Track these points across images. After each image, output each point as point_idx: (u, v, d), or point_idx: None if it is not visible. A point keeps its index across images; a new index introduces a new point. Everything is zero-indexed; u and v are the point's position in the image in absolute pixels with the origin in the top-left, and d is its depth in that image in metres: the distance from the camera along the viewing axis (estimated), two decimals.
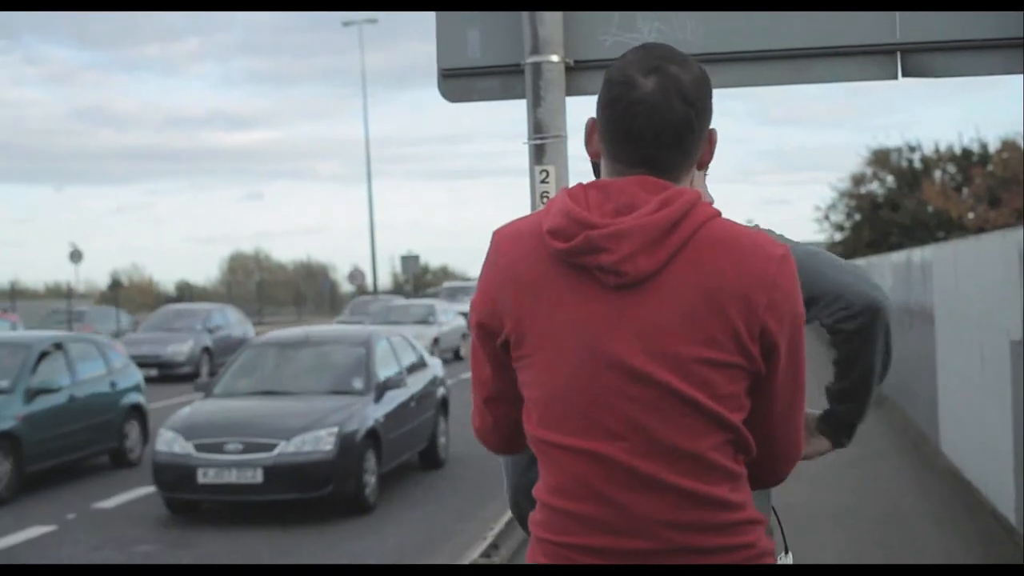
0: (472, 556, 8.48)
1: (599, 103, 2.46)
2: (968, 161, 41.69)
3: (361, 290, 60.81)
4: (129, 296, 61.83)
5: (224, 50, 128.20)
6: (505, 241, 2.46)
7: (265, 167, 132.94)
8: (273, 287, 74.49)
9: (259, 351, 14.75)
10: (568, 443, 2.38)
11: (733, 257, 2.35)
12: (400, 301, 43.38)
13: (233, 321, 33.59)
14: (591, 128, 2.53)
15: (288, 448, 11.95)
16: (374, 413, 13.08)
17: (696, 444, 2.35)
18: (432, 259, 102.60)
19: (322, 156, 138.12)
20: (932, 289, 13.28)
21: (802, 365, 2.45)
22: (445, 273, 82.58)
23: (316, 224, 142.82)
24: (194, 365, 29.87)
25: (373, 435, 12.82)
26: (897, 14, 5.00)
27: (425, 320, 35.71)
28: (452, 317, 37.32)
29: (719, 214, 2.38)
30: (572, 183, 4.98)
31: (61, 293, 55.05)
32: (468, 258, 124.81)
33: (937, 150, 43.95)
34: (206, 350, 30.69)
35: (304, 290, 75.54)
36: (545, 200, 5.06)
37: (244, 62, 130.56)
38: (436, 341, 33.86)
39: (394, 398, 13.78)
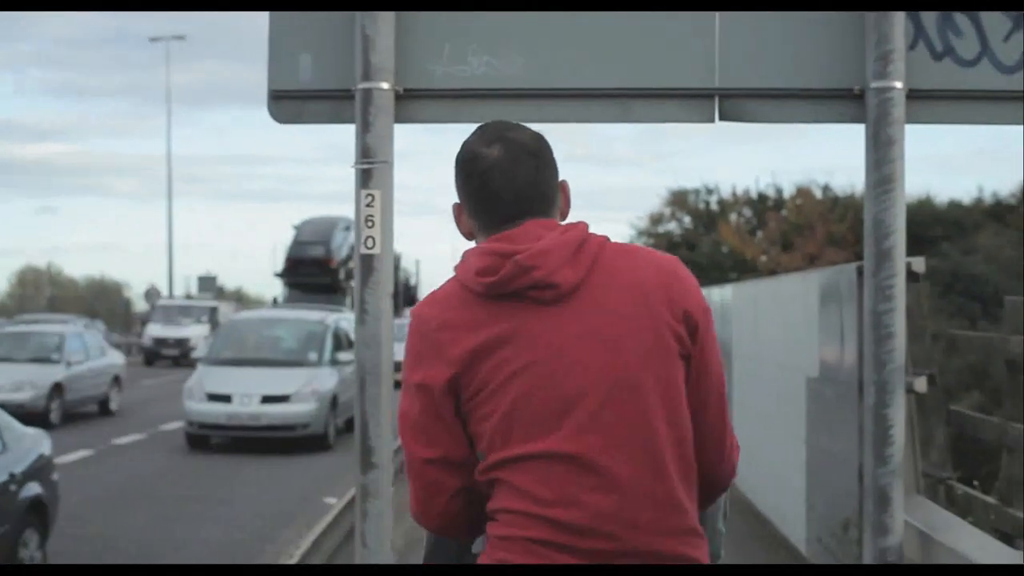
0: None
1: (458, 185, 2.70)
2: (763, 205, 42.84)
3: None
4: None
5: (19, 60, 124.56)
6: (430, 308, 2.64)
7: (61, 181, 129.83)
8: (65, 303, 72.52)
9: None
10: (528, 451, 2.52)
11: (640, 261, 2.61)
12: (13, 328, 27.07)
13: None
14: (458, 212, 2.74)
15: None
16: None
17: (655, 438, 2.53)
18: (228, 281, 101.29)
19: (120, 173, 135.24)
20: (730, 328, 13.69)
21: (718, 353, 2.68)
22: (239, 295, 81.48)
23: (112, 241, 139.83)
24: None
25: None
26: (717, 60, 5.19)
27: (45, 357, 22.06)
28: (98, 354, 23.84)
29: (608, 238, 2.61)
30: (396, 209, 5.06)
31: None
32: (265, 280, 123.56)
33: (734, 193, 45.07)
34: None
35: (96, 307, 73.71)
36: (371, 223, 5.11)
37: (41, 73, 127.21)
38: (58, 392, 21.36)
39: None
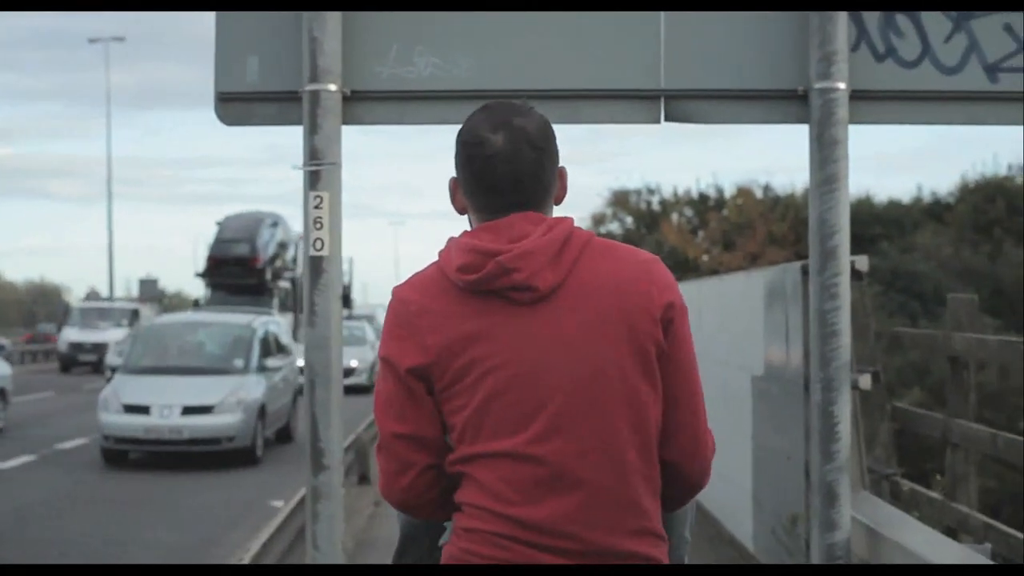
0: None
1: (458, 163, 2.72)
2: (705, 205, 43.06)
3: None
4: None
5: None
6: (411, 291, 2.69)
7: None
8: (3, 306, 71.78)
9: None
10: (495, 449, 2.57)
11: (620, 261, 2.65)
12: None
13: None
14: (453, 186, 2.77)
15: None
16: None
17: (619, 442, 2.58)
18: (170, 284, 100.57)
19: (59, 175, 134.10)
20: None
21: (693, 351, 2.73)
22: (180, 298, 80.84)
23: (52, 244, 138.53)
24: None
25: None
26: (662, 62, 5.22)
27: None
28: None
29: (594, 235, 2.67)
30: (345, 211, 5.06)
31: None
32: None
33: (676, 194, 45.25)
34: None
35: (36, 310, 73.01)
36: (319, 225, 5.11)
37: None
38: None
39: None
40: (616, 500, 2.58)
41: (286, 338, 20.52)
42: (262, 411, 17.64)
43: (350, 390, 24.03)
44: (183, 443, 16.81)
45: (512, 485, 2.57)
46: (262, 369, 18.22)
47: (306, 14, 5.11)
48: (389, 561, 3.27)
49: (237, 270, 37.60)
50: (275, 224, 38.99)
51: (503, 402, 2.58)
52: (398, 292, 2.72)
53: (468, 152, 2.70)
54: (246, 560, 7.64)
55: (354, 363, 31.66)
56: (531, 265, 2.58)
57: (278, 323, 20.47)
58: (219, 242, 38.64)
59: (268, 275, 37.79)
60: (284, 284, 39.16)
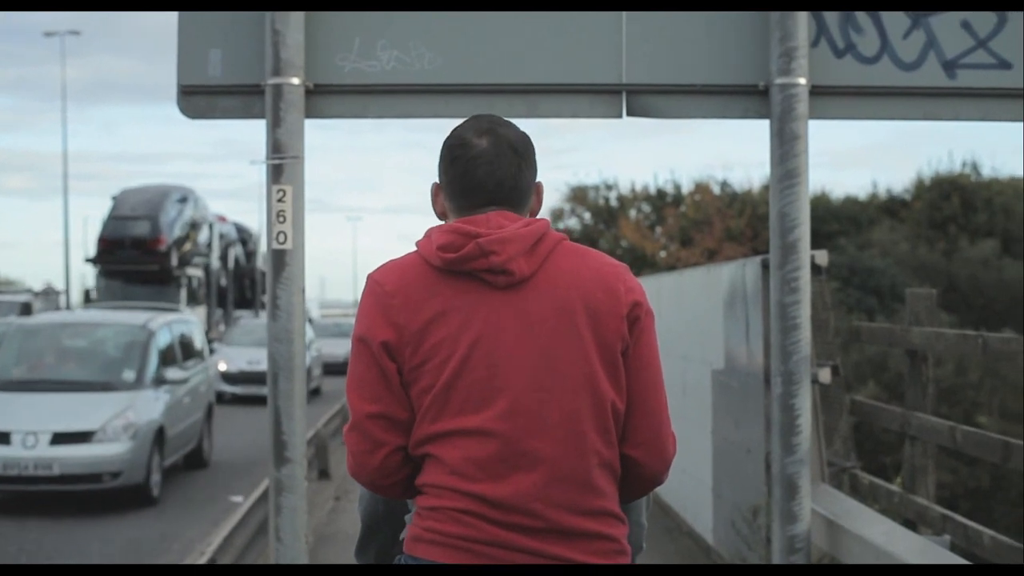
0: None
1: (441, 166, 2.85)
2: (662, 201, 43.18)
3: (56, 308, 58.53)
4: None
5: None
6: (387, 275, 2.79)
7: None
8: None
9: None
10: (458, 426, 2.65)
11: (590, 262, 2.77)
12: None
13: None
14: (436, 191, 2.90)
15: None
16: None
17: (580, 425, 2.67)
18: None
19: (11, 170, 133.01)
20: None
21: (657, 353, 2.82)
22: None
23: (6, 239, 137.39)
24: None
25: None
26: (624, 56, 5.25)
27: None
28: None
29: (567, 237, 2.78)
30: (308, 205, 5.06)
31: None
32: None
33: (633, 189, 45.35)
34: None
35: None
36: (283, 219, 5.11)
37: None
38: None
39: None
40: (575, 479, 2.67)
41: (199, 340, 17.01)
42: (159, 436, 13.70)
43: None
44: (53, 480, 12.63)
45: (475, 462, 2.65)
46: (160, 382, 14.26)
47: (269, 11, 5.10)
48: (351, 552, 3.29)
49: (135, 254, 31.44)
50: (184, 199, 33.70)
51: (468, 380, 2.67)
52: (374, 275, 2.81)
53: (453, 154, 2.84)
54: (207, 556, 7.61)
55: None
56: (508, 250, 2.68)
57: (188, 321, 16.99)
58: (113, 219, 32.13)
59: (174, 260, 31.91)
60: (195, 272, 34.20)
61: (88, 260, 32.36)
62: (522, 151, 2.86)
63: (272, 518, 5.13)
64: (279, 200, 5.14)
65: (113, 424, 12.96)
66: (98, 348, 14.81)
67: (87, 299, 32.81)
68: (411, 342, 2.69)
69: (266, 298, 5.24)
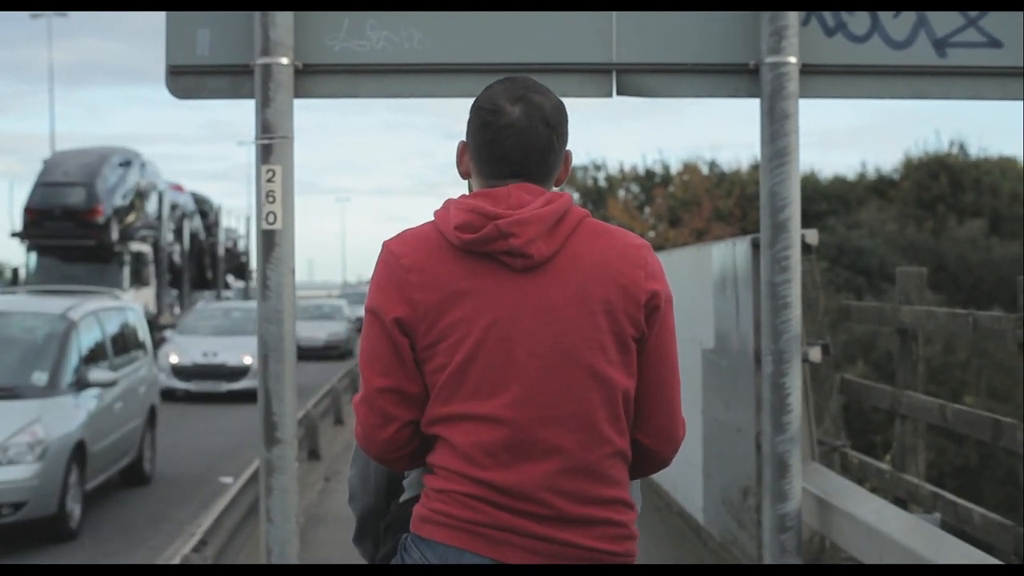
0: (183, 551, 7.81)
1: (470, 127, 2.76)
2: (651, 182, 43.17)
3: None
4: None
5: None
6: (403, 246, 2.71)
7: None
8: None
9: None
10: (469, 411, 2.62)
11: (612, 243, 2.70)
12: None
13: None
14: (462, 150, 2.82)
15: None
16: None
17: (593, 416, 2.65)
18: None
19: None
20: None
21: (675, 340, 2.79)
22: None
23: None
24: None
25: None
26: (614, 36, 5.23)
27: None
28: None
29: (590, 214, 2.72)
30: (296, 187, 5.04)
31: None
32: None
33: (622, 170, 45.34)
34: None
35: None
36: (272, 198, 5.10)
37: None
38: None
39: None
40: (588, 470, 2.64)
41: (141, 330, 14.09)
42: (79, 453, 10.78)
43: (243, 394, 20.96)
44: None
45: (484, 449, 2.61)
46: (82, 385, 11.28)
47: None
48: (341, 534, 3.29)
49: (68, 226, 26.26)
50: (127, 163, 28.46)
51: (482, 364, 2.62)
52: (389, 245, 2.74)
53: (483, 119, 2.74)
54: (197, 536, 7.60)
55: (247, 359, 22.34)
56: (528, 232, 2.62)
57: (126, 308, 14.03)
58: (41, 186, 26.69)
59: (114, 234, 26.87)
60: (142, 247, 28.93)
61: (14, 235, 26.96)
62: (554, 123, 2.73)
63: (263, 499, 5.13)
64: (268, 180, 5.13)
65: (15, 442, 10.02)
66: (2, 344, 11.50)
67: (14, 280, 27.89)
68: (426, 319, 2.64)
69: (254, 278, 5.21)
